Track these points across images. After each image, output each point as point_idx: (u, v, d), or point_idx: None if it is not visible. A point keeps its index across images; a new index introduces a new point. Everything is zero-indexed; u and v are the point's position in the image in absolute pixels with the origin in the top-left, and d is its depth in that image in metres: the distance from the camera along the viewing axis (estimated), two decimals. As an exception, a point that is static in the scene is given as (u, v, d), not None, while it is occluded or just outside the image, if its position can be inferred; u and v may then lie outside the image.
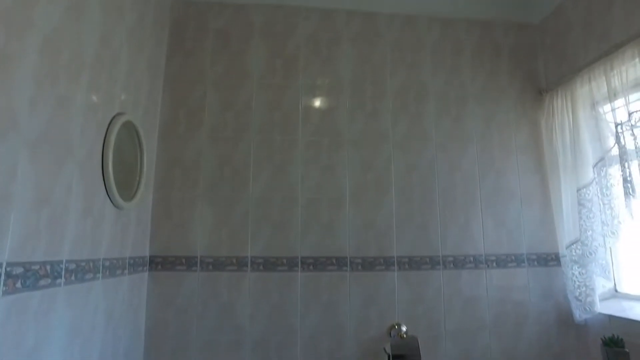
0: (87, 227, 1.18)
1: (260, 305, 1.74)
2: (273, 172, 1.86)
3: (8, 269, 0.83)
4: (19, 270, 0.86)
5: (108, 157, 1.29)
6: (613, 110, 1.65)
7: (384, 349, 1.73)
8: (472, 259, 1.89)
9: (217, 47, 1.95)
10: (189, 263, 1.75)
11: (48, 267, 0.98)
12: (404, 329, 1.76)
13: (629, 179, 1.53)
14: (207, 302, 1.72)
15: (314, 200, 1.85)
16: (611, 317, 1.70)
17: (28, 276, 0.89)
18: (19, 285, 0.86)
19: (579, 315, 1.82)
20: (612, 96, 1.65)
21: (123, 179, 1.43)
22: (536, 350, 1.86)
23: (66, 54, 1.04)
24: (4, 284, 0.82)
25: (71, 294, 1.09)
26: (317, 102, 1.97)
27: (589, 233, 1.75)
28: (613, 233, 1.65)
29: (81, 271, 1.15)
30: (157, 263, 1.74)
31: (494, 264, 1.90)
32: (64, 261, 1.05)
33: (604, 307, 1.76)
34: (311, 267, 1.79)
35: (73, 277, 1.10)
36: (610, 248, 1.80)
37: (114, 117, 1.35)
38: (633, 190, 1.52)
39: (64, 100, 1.04)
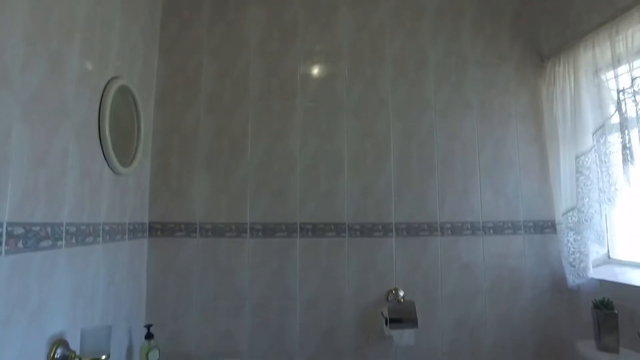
0: (85, 190, 1.18)
1: (259, 271, 1.77)
2: (271, 139, 1.85)
3: (9, 229, 0.83)
4: (19, 230, 0.86)
5: (105, 120, 1.27)
6: (616, 77, 1.63)
7: (382, 313, 1.77)
8: (469, 225, 1.91)
9: (214, 14, 1.90)
10: (188, 229, 1.76)
11: (48, 229, 0.98)
12: (401, 293, 1.79)
13: (628, 145, 1.53)
14: (206, 268, 1.75)
15: (312, 167, 1.85)
16: (602, 282, 1.74)
17: (29, 237, 0.90)
18: (20, 245, 0.87)
19: (572, 280, 1.86)
20: (615, 62, 1.62)
21: (120, 145, 1.42)
22: (530, 315, 1.91)
23: (57, 12, 1.01)
24: (6, 244, 0.82)
25: (72, 256, 1.10)
26: (316, 69, 1.93)
27: (586, 200, 1.76)
28: (609, 200, 1.67)
29: (81, 234, 1.15)
30: (157, 229, 1.75)
31: (491, 231, 1.92)
32: (64, 224, 1.06)
33: (596, 273, 1.80)
34: (310, 233, 1.81)
35: (74, 240, 1.11)
36: (606, 215, 1.82)
37: (109, 81, 1.33)
38: (631, 157, 1.53)
39: (57, 61, 1.02)
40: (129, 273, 1.53)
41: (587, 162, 1.76)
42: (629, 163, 1.53)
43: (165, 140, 1.80)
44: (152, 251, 1.73)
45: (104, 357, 1.04)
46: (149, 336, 1.53)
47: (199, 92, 1.84)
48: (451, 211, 1.90)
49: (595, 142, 1.72)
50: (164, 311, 1.71)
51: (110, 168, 1.36)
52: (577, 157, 1.80)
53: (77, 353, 1.04)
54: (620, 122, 1.57)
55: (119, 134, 1.40)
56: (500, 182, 1.96)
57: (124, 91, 1.44)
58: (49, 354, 0.98)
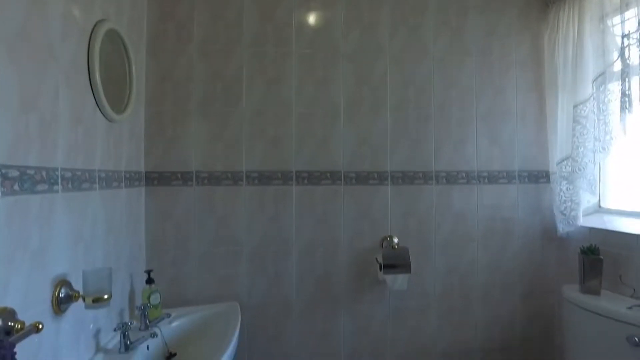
0: (78, 136, 1.17)
1: (256, 218, 1.80)
2: (266, 86, 1.81)
3: (3, 171, 0.83)
4: (14, 173, 0.86)
5: (94, 64, 1.23)
6: (622, 22, 1.59)
7: (376, 259, 1.82)
8: (464, 174, 1.93)
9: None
10: (185, 178, 1.76)
11: (44, 173, 0.98)
12: (395, 240, 1.84)
13: (627, 92, 1.51)
14: (204, 216, 1.77)
15: (308, 115, 1.83)
16: (591, 229, 1.79)
17: (25, 180, 0.89)
18: (16, 187, 0.87)
19: (562, 228, 1.90)
20: (623, 6, 1.57)
21: (112, 91, 1.39)
22: (519, 261, 1.98)
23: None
24: (2, 185, 0.82)
25: (70, 201, 1.11)
26: (311, 14, 1.86)
27: (581, 150, 1.77)
28: (604, 149, 1.68)
29: (77, 180, 1.15)
30: (153, 178, 1.75)
31: (486, 180, 1.94)
32: (59, 169, 1.05)
33: (586, 221, 1.84)
34: (306, 181, 1.82)
35: (70, 185, 1.11)
36: (600, 164, 1.83)
37: (96, 24, 1.27)
38: (630, 105, 1.52)
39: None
40: (127, 220, 1.55)
41: (584, 111, 1.75)
42: (627, 111, 1.52)
43: (159, 88, 1.76)
44: (150, 200, 1.74)
45: (106, 296, 1.07)
46: (149, 281, 1.58)
47: (191, 38, 1.78)
48: (447, 160, 1.91)
49: (594, 90, 1.70)
50: (163, 257, 1.75)
51: (103, 115, 1.33)
52: (575, 106, 1.78)
53: (81, 293, 1.08)
54: (622, 69, 1.55)
55: (110, 80, 1.37)
56: (497, 132, 1.95)
57: (112, 35, 1.39)
58: (53, 293, 1.01)
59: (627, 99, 1.52)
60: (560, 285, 1.79)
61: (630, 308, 1.45)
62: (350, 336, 1.86)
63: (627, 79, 1.53)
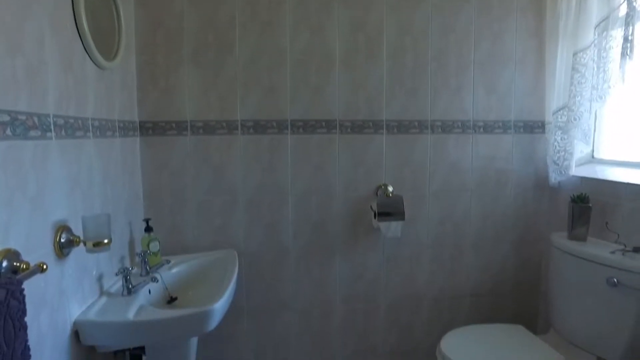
0: (68, 83, 1.15)
1: (251, 167, 1.81)
2: (259, 33, 1.76)
3: (-6, 115, 0.82)
4: (5, 117, 0.86)
5: (79, 9, 1.18)
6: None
7: (371, 207, 1.86)
8: (460, 124, 1.92)
9: None
10: (180, 128, 1.75)
11: (35, 119, 0.97)
12: (390, 189, 1.86)
13: (629, 38, 1.48)
14: (199, 165, 1.78)
15: (303, 63, 1.79)
16: (583, 179, 1.82)
17: (16, 125, 0.89)
18: (9, 132, 0.86)
19: (554, 178, 1.93)
20: (631, -55, 1.50)
21: (101, 37, 1.35)
22: (511, 211, 2.02)
23: None
24: (-6, 129, 0.82)
25: (64, 148, 1.11)
26: (306, -45, 1.77)
27: (577, 99, 1.75)
28: (600, 97, 1.66)
29: (70, 127, 1.15)
30: (148, 128, 1.74)
31: (481, 130, 1.94)
32: (51, 115, 1.04)
33: (578, 171, 1.87)
34: (301, 129, 1.81)
35: (63, 132, 1.10)
36: (596, 113, 1.83)
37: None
38: (631, 51, 1.49)
39: None
40: (123, 169, 1.56)
41: (584, 59, 1.72)
42: (627, 57, 1.50)
43: (149, 36, 1.70)
44: (145, 150, 1.74)
45: (106, 240, 1.10)
46: (148, 229, 1.61)
47: (180, -18, 1.70)
48: (442, 109, 1.90)
49: (596, 37, 1.66)
50: (161, 207, 1.78)
51: (93, 61, 1.30)
52: (574, 54, 1.75)
53: (81, 238, 1.11)
54: (627, 13, 1.50)
55: (98, 27, 1.32)
56: (494, 81, 1.93)
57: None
58: (54, 238, 1.04)
59: (629, 44, 1.49)
60: (550, 233, 1.84)
61: (612, 252, 1.51)
62: (345, 282, 1.93)
63: (631, 24, 1.49)
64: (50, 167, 1.03)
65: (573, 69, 1.76)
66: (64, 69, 1.12)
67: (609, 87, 1.62)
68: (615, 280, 1.45)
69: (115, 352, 1.39)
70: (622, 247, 1.53)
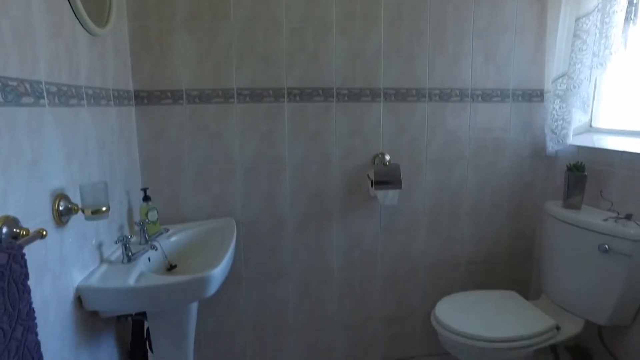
0: (59, 49, 1.12)
1: (248, 136, 1.80)
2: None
3: (-16, 81, 0.81)
4: (-4, 83, 0.84)
5: (67, -32, 1.15)
6: None
7: (368, 175, 1.86)
8: (458, 92, 1.90)
9: None
10: (175, 97, 1.73)
11: (27, 85, 0.95)
12: (387, 157, 1.86)
13: (634, 2, 1.45)
14: (196, 135, 1.77)
15: (299, 30, 1.75)
16: (579, 148, 1.82)
17: (8, 91, 0.88)
18: (0, 99, 0.85)
19: (551, 147, 1.94)
20: None
21: (92, 5, 1.31)
22: (508, 180, 2.03)
23: None
24: (-15, 96, 0.81)
25: (58, 115, 1.10)
26: None
27: (578, 66, 1.73)
28: (601, 64, 1.65)
29: (64, 95, 1.13)
30: (143, 97, 1.72)
31: (479, 98, 1.93)
32: (43, 82, 1.03)
33: (575, 140, 1.87)
34: (297, 98, 1.79)
35: (57, 100, 1.09)
36: (595, 81, 1.81)
37: None
38: (635, 16, 1.47)
39: None
40: (119, 139, 1.55)
41: (586, 25, 1.69)
42: (631, 22, 1.48)
43: (141, 2, 1.65)
44: (141, 119, 1.73)
45: (104, 208, 1.11)
46: (146, 198, 1.62)
47: (171, -57, 1.64)
48: (440, 77, 1.88)
49: (600, 1, 1.62)
50: (158, 177, 1.78)
51: (84, 27, 1.27)
52: (577, 19, 1.72)
53: (80, 206, 1.11)
54: (632, -25, 1.47)
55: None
56: (493, 48, 1.90)
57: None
58: (53, 206, 1.05)
59: (633, 8, 1.46)
60: (546, 202, 1.86)
61: (605, 220, 1.53)
62: (342, 250, 1.97)
63: (635, -12, 1.46)
64: (45, 135, 1.03)
65: (575, 35, 1.73)
66: (54, 35, 1.10)
67: (610, 53, 1.60)
68: (607, 246, 1.48)
69: (118, 317, 1.43)
70: (615, 214, 1.55)
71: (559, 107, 1.85)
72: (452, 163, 1.97)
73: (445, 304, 1.72)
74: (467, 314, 1.64)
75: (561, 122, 1.85)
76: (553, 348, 1.70)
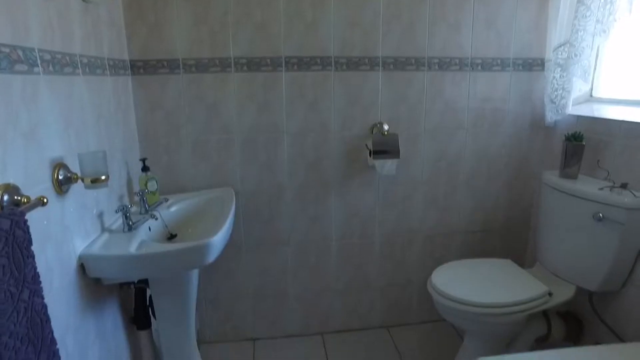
0: (51, 16, 1.10)
1: (246, 105, 1.79)
2: (251, -38, 1.66)
3: (-26, 47, 0.80)
4: (-12, 50, 0.83)
5: None
6: None
7: (366, 145, 1.87)
8: (457, 61, 1.87)
9: None
10: (171, 66, 1.71)
11: (20, 52, 0.94)
12: (385, 127, 1.86)
13: (639, -35, 1.41)
14: (193, 104, 1.76)
15: (296, -5, 1.71)
16: (578, 118, 1.81)
17: (1, 58, 0.87)
18: (-7, 66, 0.85)
19: (550, 117, 1.93)
20: None
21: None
22: (506, 150, 2.03)
23: None
24: (-24, 63, 0.80)
25: (53, 84, 1.09)
26: None
27: (580, 34, 1.70)
28: (604, 31, 1.62)
29: (58, 63, 1.12)
30: (139, 67, 1.69)
31: (479, 67, 1.90)
32: (36, 49, 1.01)
33: (574, 110, 1.86)
34: (295, 67, 1.77)
35: (51, 68, 1.08)
36: (597, 49, 1.79)
37: None
38: (639, -20, 1.43)
39: None
40: (116, 109, 1.54)
41: (591, -10, 1.65)
42: (635, -14, 1.44)
43: (133, -35, 1.61)
44: (137, 89, 1.71)
45: (103, 177, 1.12)
46: (145, 169, 1.62)
47: None
48: (440, 45, 1.85)
49: (606, -37, 1.58)
50: (156, 147, 1.78)
51: (73, -8, 1.25)
52: (581, -16, 1.67)
53: (79, 175, 1.12)
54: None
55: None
56: (495, 15, 1.86)
57: None
58: (52, 175, 1.05)
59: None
60: (543, 172, 1.87)
61: (601, 189, 1.54)
62: (340, 219, 1.99)
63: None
64: (41, 104, 1.02)
65: (578, 1, 1.69)
66: (45, 1, 1.07)
67: (615, 20, 1.57)
68: (601, 215, 1.50)
69: (121, 285, 1.46)
70: (611, 184, 1.56)
71: (560, 76, 1.83)
72: (450, 132, 1.96)
73: (442, 272, 1.75)
74: (463, 281, 1.68)
75: (561, 91, 1.84)
76: (545, 314, 1.76)
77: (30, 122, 0.97)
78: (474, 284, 1.66)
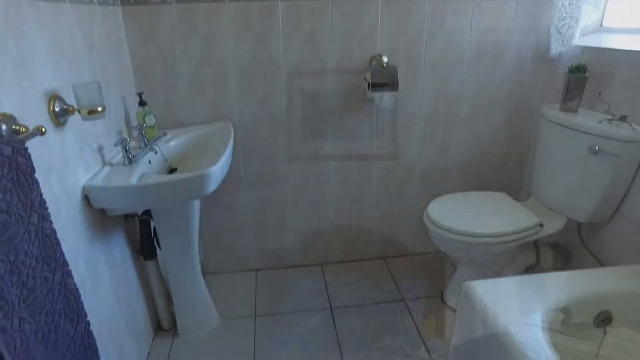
0: None
1: (242, 37, 1.73)
2: None
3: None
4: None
5: None
6: None
7: (365, 77, 1.83)
8: (462, -13, 1.78)
9: None
10: (162, -6, 1.63)
11: (0, -26, 0.90)
12: (384, 59, 1.81)
13: None
14: (188, 37, 1.70)
15: None
16: (584, 49, 1.76)
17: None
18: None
19: (555, 48, 1.86)
20: None
21: None
22: (507, 85, 1.99)
23: None
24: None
25: (39, 11, 1.05)
26: None
27: (594, -44, 1.60)
28: (619, -47, 1.52)
29: (42, -12, 1.07)
30: (128, -4, 1.62)
31: (484, -5, 1.81)
32: (18, -29, 0.97)
33: (582, 40, 1.79)
34: (291, -7, 1.69)
35: (35, -7, 1.04)
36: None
37: None
38: None
39: None
40: (108, 42, 1.50)
41: None
42: None
43: None
44: (129, 20, 1.64)
45: (100, 108, 1.12)
46: (142, 103, 1.61)
47: None
48: (444, -29, 1.75)
49: None
50: (152, 82, 1.75)
51: None
52: None
53: (75, 107, 1.12)
54: None
55: None
56: None
57: None
58: (48, 106, 1.05)
59: None
60: (542, 105, 1.84)
61: (600, 122, 1.54)
62: (338, 152, 2.00)
63: None
64: (27, 31, 0.99)
65: None
66: None
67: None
68: (597, 147, 1.51)
69: (126, 217, 1.52)
70: (610, 116, 1.55)
71: (569, 3, 1.75)
72: (450, 66, 1.91)
73: (437, 203, 1.79)
74: (458, 212, 1.73)
75: (569, 20, 1.76)
76: (535, 244, 1.83)
77: (19, 49, 0.95)
78: (468, 215, 1.71)
